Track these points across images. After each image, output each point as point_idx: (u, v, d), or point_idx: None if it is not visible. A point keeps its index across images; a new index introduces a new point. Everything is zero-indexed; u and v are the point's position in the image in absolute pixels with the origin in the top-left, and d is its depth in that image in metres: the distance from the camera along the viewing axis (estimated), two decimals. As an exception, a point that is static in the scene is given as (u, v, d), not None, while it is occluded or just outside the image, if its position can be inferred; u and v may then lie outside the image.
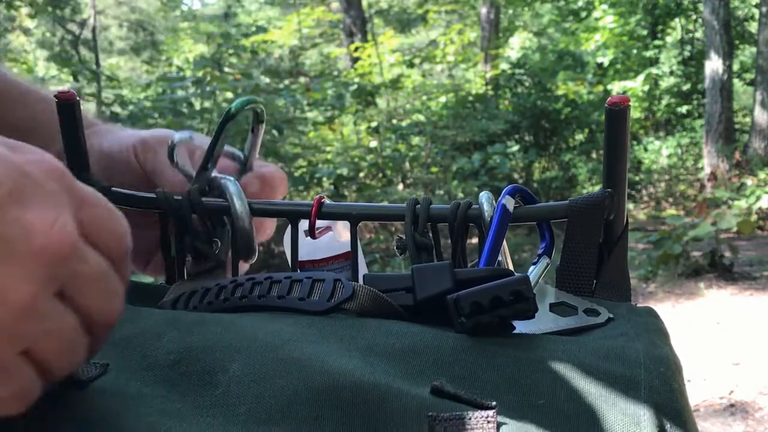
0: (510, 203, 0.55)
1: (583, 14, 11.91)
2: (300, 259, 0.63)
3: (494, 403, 0.37)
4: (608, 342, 0.45)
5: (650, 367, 0.42)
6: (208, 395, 0.39)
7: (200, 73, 6.08)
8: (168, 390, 0.40)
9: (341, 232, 0.65)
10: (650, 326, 0.48)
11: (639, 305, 0.52)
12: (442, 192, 7.07)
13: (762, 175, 7.83)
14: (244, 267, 0.64)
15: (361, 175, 7.30)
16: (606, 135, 0.53)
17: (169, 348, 0.43)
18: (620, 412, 0.38)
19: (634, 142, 10.08)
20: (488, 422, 0.36)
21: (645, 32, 11.09)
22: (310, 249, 0.64)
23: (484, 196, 0.56)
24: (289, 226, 0.64)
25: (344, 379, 0.38)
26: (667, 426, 0.39)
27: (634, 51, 10.91)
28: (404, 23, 14.02)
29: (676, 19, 11.21)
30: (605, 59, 11.09)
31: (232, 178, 0.62)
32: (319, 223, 0.71)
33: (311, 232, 0.61)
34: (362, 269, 0.63)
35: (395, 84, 8.69)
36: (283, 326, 0.45)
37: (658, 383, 0.41)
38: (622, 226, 0.55)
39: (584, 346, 0.44)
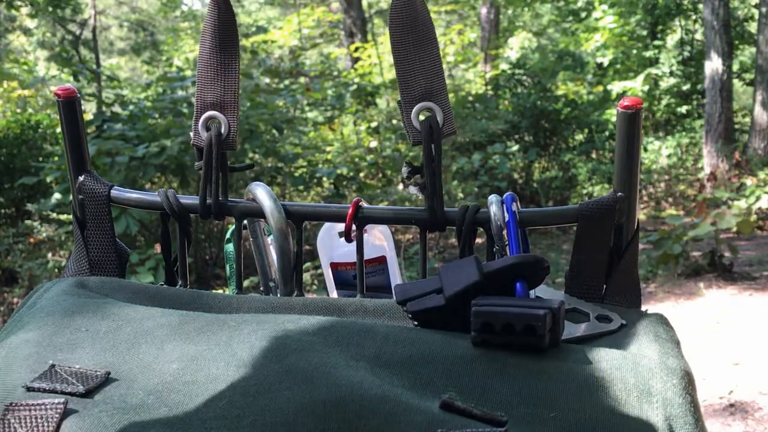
0: (516, 209, 0.55)
1: (583, 14, 11.90)
2: (334, 260, 0.63)
3: (506, 418, 0.36)
4: (621, 350, 0.44)
5: (664, 378, 0.41)
6: (212, 406, 0.38)
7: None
8: (171, 400, 0.39)
9: (376, 235, 0.64)
10: (662, 334, 0.47)
11: (650, 311, 0.51)
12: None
13: (762, 175, 7.82)
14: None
15: (361, 175, 7.29)
16: (618, 137, 0.52)
17: (172, 355, 0.42)
18: (634, 425, 0.38)
19: (634, 142, 10.01)
20: None
21: (645, 32, 11.08)
22: (344, 251, 0.64)
23: (493, 200, 0.56)
24: (323, 226, 0.64)
25: (351, 391, 0.37)
26: None
27: (634, 51, 10.90)
28: (404, 23, 13.99)
29: (676, 20, 11.20)
30: (605, 59, 11.08)
31: (263, 184, 0.61)
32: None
33: (347, 236, 0.61)
34: (395, 277, 0.62)
35: (395, 84, 8.68)
36: (289, 333, 0.44)
37: (672, 395, 0.40)
38: (633, 230, 0.54)
39: (597, 355, 0.43)
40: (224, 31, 0.56)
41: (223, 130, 0.60)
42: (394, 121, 8.10)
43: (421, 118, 0.58)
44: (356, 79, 8.55)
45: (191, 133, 0.61)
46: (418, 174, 0.57)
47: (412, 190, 0.58)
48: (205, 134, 0.60)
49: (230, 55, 0.57)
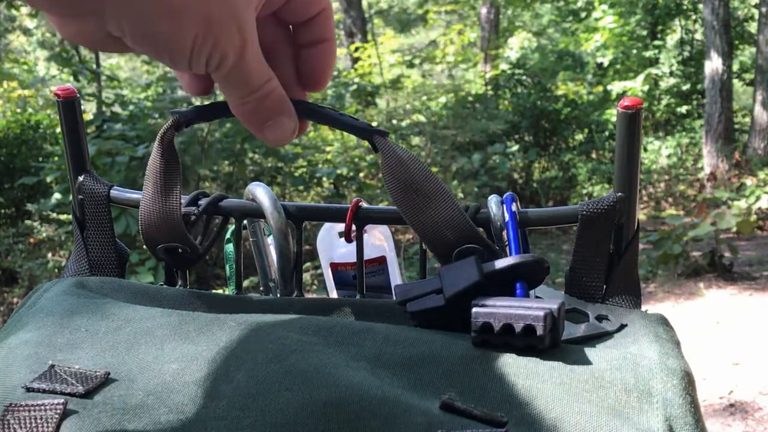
0: (516, 209, 0.55)
1: (583, 14, 11.90)
2: (334, 261, 0.63)
3: (506, 418, 0.36)
4: (621, 351, 0.44)
5: (664, 378, 0.41)
6: (211, 407, 0.38)
7: (200, 73, 6.05)
8: (171, 400, 0.39)
9: (376, 236, 0.64)
10: (662, 335, 0.47)
11: (650, 312, 0.51)
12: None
13: (762, 175, 7.82)
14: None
15: (361, 175, 7.29)
16: (618, 138, 0.52)
17: (172, 356, 0.42)
18: (633, 426, 0.38)
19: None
20: None
21: (645, 32, 11.08)
22: (344, 251, 0.64)
23: (493, 200, 0.56)
24: (323, 226, 0.64)
25: (351, 392, 0.37)
26: None
27: (634, 51, 10.90)
28: (404, 23, 14.01)
29: (676, 20, 11.20)
30: (605, 59, 11.08)
31: (263, 184, 0.61)
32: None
33: (346, 236, 0.60)
34: (395, 278, 0.62)
35: (395, 84, 8.68)
36: (289, 333, 0.44)
37: (672, 395, 0.40)
38: (633, 230, 0.54)
39: (597, 355, 0.43)
40: (168, 175, 0.54)
41: (184, 251, 0.57)
42: (394, 121, 8.10)
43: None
44: (356, 79, 8.54)
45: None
46: None
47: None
48: (167, 258, 0.58)
49: (173, 196, 0.55)
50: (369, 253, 0.67)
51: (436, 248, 0.52)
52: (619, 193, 0.53)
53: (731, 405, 3.02)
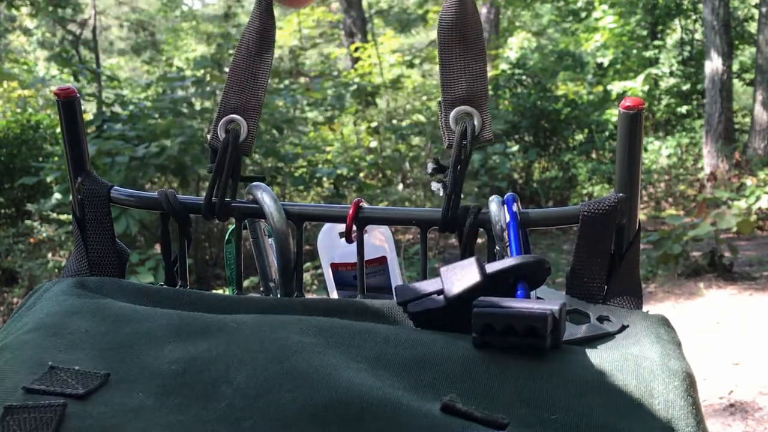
0: (518, 210, 0.55)
1: (583, 14, 11.90)
2: (334, 261, 0.63)
3: (507, 420, 0.36)
4: (622, 352, 0.44)
5: (666, 379, 0.41)
6: (212, 408, 0.38)
7: (200, 73, 6.07)
8: (171, 402, 0.39)
9: (377, 236, 0.65)
10: (663, 336, 0.47)
11: (651, 313, 0.51)
12: (442, 192, 7.05)
13: (762, 175, 7.82)
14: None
15: (361, 175, 7.29)
16: (619, 138, 0.52)
17: (172, 357, 0.42)
18: (635, 427, 0.38)
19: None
20: None
21: (645, 32, 11.08)
22: (345, 252, 0.64)
23: (494, 201, 0.56)
24: (324, 226, 0.65)
25: (352, 393, 0.37)
26: None
27: (634, 51, 10.90)
28: (404, 23, 14.01)
29: (676, 20, 11.20)
30: (605, 59, 11.08)
31: (263, 184, 0.61)
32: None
33: (347, 236, 0.61)
34: (396, 278, 0.63)
35: (395, 84, 8.67)
36: (290, 334, 0.44)
37: (673, 397, 0.40)
38: (635, 231, 0.54)
39: (598, 356, 0.43)
40: (263, 39, 0.57)
41: (241, 134, 0.60)
42: (394, 121, 8.10)
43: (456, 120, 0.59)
44: (356, 79, 8.54)
45: (208, 135, 0.62)
46: (442, 173, 0.58)
47: (434, 186, 0.59)
48: (223, 136, 0.61)
49: (263, 64, 0.58)
50: (369, 254, 0.67)
51: (445, 96, 0.58)
52: (620, 194, 0.53)
53: (731, 405, 3.02)
